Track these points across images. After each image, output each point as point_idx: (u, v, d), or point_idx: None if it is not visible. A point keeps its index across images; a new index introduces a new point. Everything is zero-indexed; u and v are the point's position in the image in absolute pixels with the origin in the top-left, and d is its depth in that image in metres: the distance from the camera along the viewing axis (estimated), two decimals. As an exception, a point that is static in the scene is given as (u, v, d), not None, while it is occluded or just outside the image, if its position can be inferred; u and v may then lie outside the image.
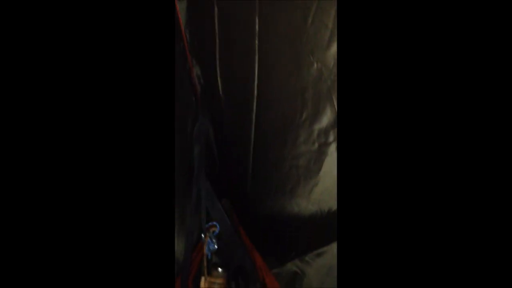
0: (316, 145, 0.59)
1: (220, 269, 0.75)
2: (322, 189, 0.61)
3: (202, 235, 0.80)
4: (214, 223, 0.82)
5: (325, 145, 0.57)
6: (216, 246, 0.77)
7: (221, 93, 0.82)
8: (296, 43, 0.55)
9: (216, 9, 0.66)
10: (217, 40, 0.76)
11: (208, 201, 0.82)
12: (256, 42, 0.62)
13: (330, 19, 0.49)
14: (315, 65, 0.54)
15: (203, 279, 0.75)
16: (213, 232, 0.81)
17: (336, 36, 0.49)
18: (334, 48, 0.51)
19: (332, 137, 0.56)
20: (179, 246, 0.81)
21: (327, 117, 0.55)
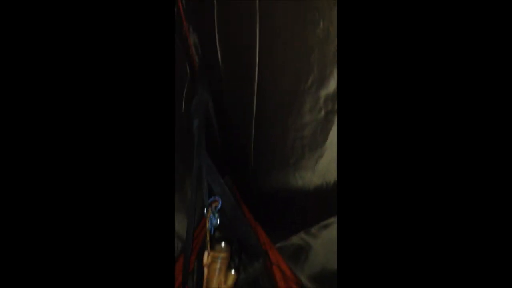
0: (323, 113, 0.55)
1: (223, 244, 0.73)
2: (328, 160, 0.58)
3: (205, 210, 0.78)
4: (217, 198, 0.80)
5: (331, 112, 0.54)
6: (218, 221, 0.76)
7: (220, 62, 0.78)
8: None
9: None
10: (215, 4, 0.71)
11: (209, 176, 0.80)
12: (257, 2, 0.56)
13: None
14: (321, 24, 0.49)
15: (206, 254, 0.73)
16: (216, 207, 0.79)
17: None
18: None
19: (339, 103, 0.52)
20: (180, 223, 0.79)
21: (335, 81, 0.50)
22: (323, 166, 0.60)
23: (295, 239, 0.71)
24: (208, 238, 0.75)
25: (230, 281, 0.70)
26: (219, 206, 0.78)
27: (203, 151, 0.83)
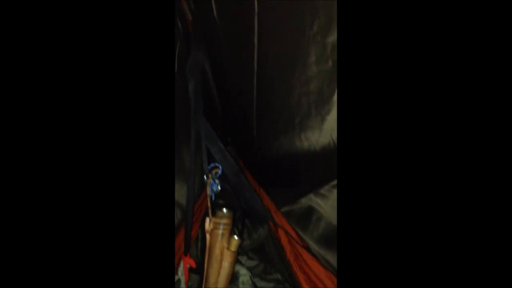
0: (330, 62, 0.49)
1: (225, 210, 0.71)
2: (335, 117, 0.54)
3: (205, 177, 0.75)
4: (217, 164, 0.76)
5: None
6: (219, 187, 0.73)
7: (216, 15, 0.71)
8: None
9: None
10: None
11: (208, 141, 0.76)
12: None
13: None
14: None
15: (207, 220, 0.71)
16: (216, 173, 0.76)
17: None
18: None
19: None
20: (179, 192, 0.76)
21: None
22: (330, 124, 0.56)
23: (304, 202, 0.68)
24: (209, 204, 0.73)
25: (233, 246, 0.69)
26: (220, 172, 0.75)
27: (200, 115, 0.78)
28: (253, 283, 0.67)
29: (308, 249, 0.66)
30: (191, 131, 0.76)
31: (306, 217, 0.66)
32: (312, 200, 0.65)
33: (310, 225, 0.66)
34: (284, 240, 0.75)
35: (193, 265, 0.72)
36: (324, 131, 0.57)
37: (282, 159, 0.79)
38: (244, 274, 0.69)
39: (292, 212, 0.72)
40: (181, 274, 0.71)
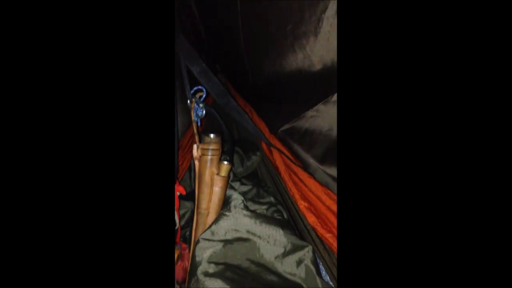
0: None
1: (212, 135, 0.66)
2: (334, 11, 0.45)
3: (188, 102, 0.68)
4: (200, 87, 0.69)
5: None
6: (204, 112, 0.66)
7: None
8: None
9: None
10: None
11: (189, 62, 0.66)
12: None
13: None
14: None
15: (195, 147, 0.67)
16: (200, 97, 0.68)
17: None
18: None
19: None
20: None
21: None
22: (328, 25, 0.47)
23: (302, 121, 0.63)
24: (195, 130, 0.67)
25: (223, 171, 0.66)
26: (204, 95, 0.68)
27: (178, 33, 0.67)
28: (245, 207, 0.66)
29: (304, 168, 0.63)
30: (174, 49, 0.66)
31: (306, 136, 0.62)
32: (313, 116, 0.59)
33: (311, 144, 0.62)
34: (278, 160, 0.72)
35: (183, 192, 0.70)
36: (322, 36, 0.49)
37: (275, 79, 0.71)
38: (236, 198, 0.68)
39: (291, 132, 0.68)
40: (171, 201, 0.70)
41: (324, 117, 0.57)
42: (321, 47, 0.50)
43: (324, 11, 0.45)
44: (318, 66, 0.54)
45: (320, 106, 0.57)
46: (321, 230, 0.55)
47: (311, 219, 0.57)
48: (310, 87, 0.58)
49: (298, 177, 0.63)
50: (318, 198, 0.56)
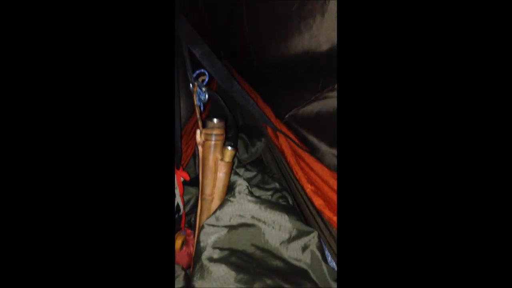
0: None
1: (215, 120, 0.64)
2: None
3: (191, 86, 0.66)
4: (203, 70, 0.67)
5: None
6: (207, 96, 0.65)
7: None
8: None
9: None
10: None
11: (191, 44, 0.64)
12: None
13: None
14: None
15: (198, 132, 0.66)
16: (203, 80, 0.66)
17: None
18: None
19: None
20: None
21: None
22: (334, 2, 0.44)
23: (311, 105, 0.61)
24: (198, 115, 0.66)
25: (227, 157, 0.65)
26: (207, 79, 0.66)
27: (178, 14, 0.65)
28: (250, 192, 0.65)
29: (311, 153, 0.61)
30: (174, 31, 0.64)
31: (315, 120, 0.60)
32: (318, 102, 0.57)
33: (321, 128, 0.60)
34: (284, 145, 0.70)
35: (187, 177, 0.69)
36: (329, 14, 0.46)
37: (281, 62, 0.69)
38: (240, 184, 0.67)
39: (298, 117, 0.66)
40: (175, 187, 0.69)
41: (334, 100, 0.55)
42: (328, 26, 0.48)
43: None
44: (325, 46, 0.51)
45: (329, 89, 0.55)
46: (328, 213, 0.54)
47: (318, 202, 0.56)
48: (317, 69, 0.56)
49: (304, 161, 0.62)
50: (325, 183, 0.55)
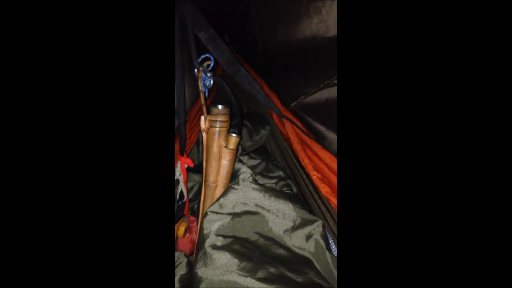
0: None
1: (220, 106, 0.63)
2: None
3: (195, 71, 0.64)
4: (208, 55, 0.65)
5: None
6: (212, 81, 0.63)
7: None
8: None
9: None
10: None
11: (196, 27, 0.62)
12: None
13: None
14: None
15: (202, 118, 0.64)
16: (208, 66, 0.65)
17: None
18: None
19: None
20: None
21: None
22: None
23: (318, 94, 0.59)
24: (203, 101, 0.65)
25: (232, 144, 0.64)
26: (212, 64, 0.64)
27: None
28: (254, 180, 0.65)
29: (317, 140, 0.60)
30: (174, 17, 0.62)
31: (322, 108, 0.59)
32: (326, 90, 0.56)
33: (329, 116, 0.59)
34: (291, 131, 0.69)
35: (191, 164, 0.69)
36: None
37: (288, 47, 0.67)
38: (244, 172, 0.66)
39: (305, 106, 0.64)
40: (179, 174, 0.69)
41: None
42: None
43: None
44: (334, 31, 0.49)
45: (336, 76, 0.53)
46: (335, 201, 0.53)
47: (324, 189, 0.55)
48: (326, 55, 0.54)
49: (311, 149, 0.61)
50: (331, 170, 0.54)
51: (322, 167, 0.57)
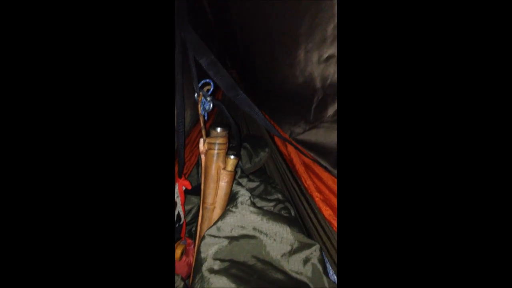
0: None
1: (219, 129, 0.65)
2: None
3: (195, 95, 0.66)
4: (208, 80, 0.67)
5: None
6: (211, 105, 0.65)
7: None
8: None
9: None
10: None
11: (197, 53, 0.65)
12: None
13: None
14: None
15: (201, 141, 0.66)
16: (207, 90, 0.67)
17: None
18: None
19: None
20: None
21: None
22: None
23: (313, 131, 0.60)
24: (202, 124, 0.66)
25: (230, 166, 0.64)
26: (212, 88, 0.66)
27: (186, 23, 0.66)
28: (252, 203, 0.65)
29: (319, 162, 0.60)
30: (175, 42, 0.65)
31: (315, 147, 0.59)
32: (320, 130, 0.56)
33: (323, 153, 0.59)
34: (293, 152, 0.69)
35: (188, 186, 0.69)
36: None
37: (284, 85, 0.68)
38: (243, 195, 0.66)
39: (300, 142, 0.65)
40: (176, 196, 0.69)
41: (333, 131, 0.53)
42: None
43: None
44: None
45: (330, 119, 0.53)
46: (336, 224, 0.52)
47: (327, 212, 0.54)
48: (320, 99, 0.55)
49: (313, 170, 0.61)
50: (332, 193, 0.54)
51: (323, 189, 0.57)
